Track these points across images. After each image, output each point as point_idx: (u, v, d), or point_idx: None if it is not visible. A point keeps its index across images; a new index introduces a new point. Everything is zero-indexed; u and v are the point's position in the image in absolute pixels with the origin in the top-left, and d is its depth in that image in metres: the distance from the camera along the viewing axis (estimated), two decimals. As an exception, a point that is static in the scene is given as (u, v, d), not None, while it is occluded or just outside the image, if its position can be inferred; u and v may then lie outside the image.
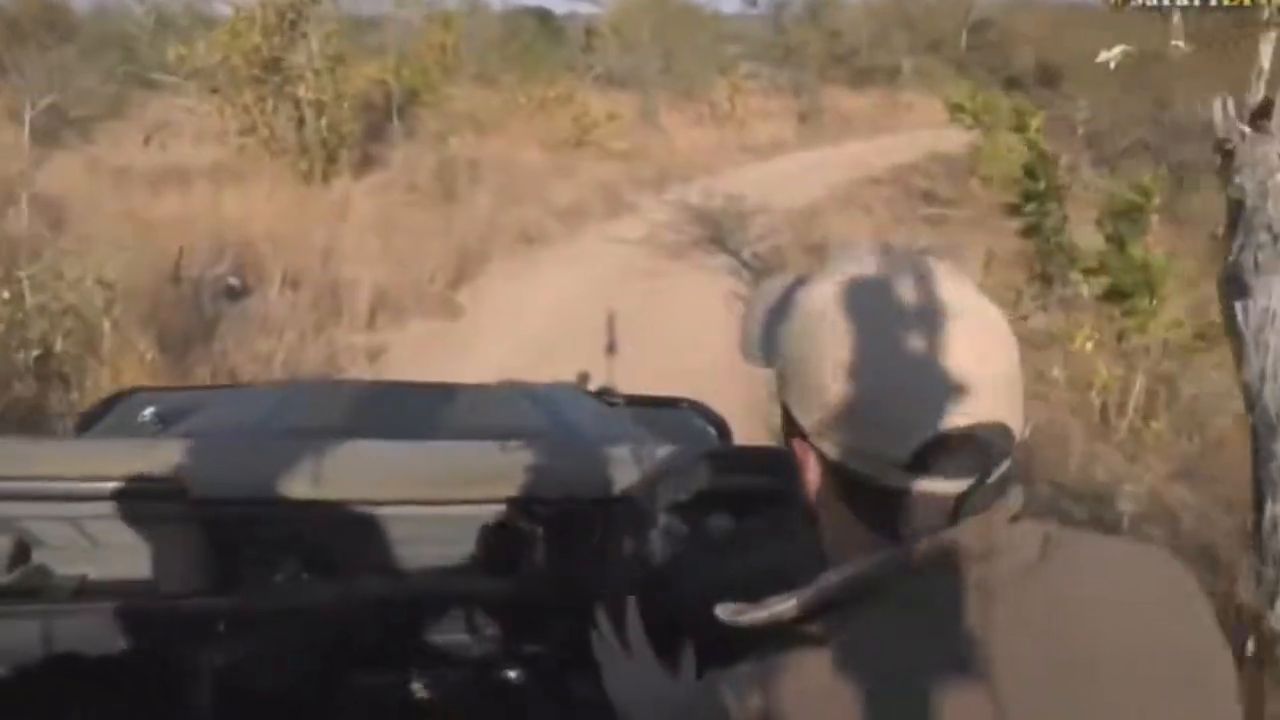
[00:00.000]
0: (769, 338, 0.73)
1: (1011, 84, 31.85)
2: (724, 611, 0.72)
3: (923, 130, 24.32)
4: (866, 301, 0.66)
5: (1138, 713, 0.64)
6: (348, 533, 1.41)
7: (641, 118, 17.86)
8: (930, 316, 0.64)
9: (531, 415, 2.14)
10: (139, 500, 1.32)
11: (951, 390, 0.63)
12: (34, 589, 1.34)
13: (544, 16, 28.51)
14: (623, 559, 1.29)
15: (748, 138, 17.97)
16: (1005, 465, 0.65)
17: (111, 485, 1.30)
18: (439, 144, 10.85)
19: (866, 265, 0.69)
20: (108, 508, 1.31)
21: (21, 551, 1.36)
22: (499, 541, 1.44)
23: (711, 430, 2.42)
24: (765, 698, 0.65)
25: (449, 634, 1.45)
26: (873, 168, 15.44)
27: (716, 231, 10.22)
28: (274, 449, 1.48)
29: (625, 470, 1.40)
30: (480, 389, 2.41)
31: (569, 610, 1.28)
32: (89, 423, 2.23)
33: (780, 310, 0.72)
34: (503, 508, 1.42)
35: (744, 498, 1.35)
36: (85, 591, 1.36)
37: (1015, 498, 0.68)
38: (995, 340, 0.66)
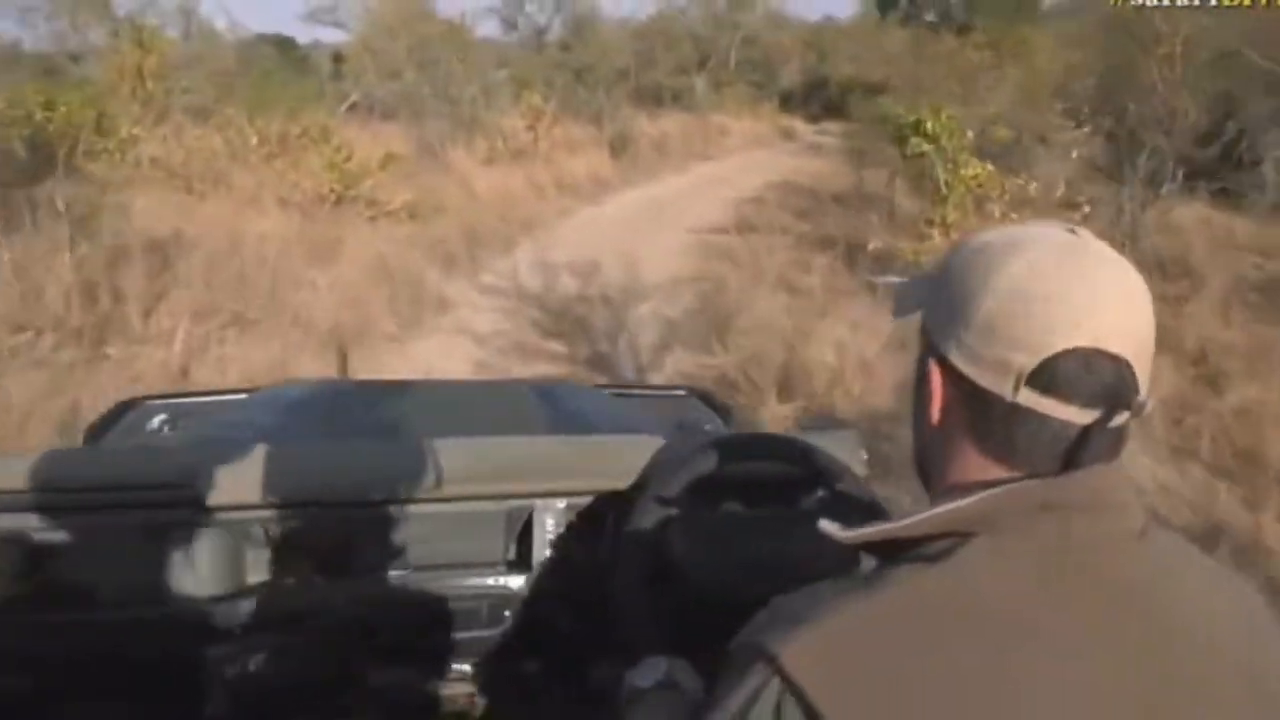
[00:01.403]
0: (927, 284, 0.76)
1: (787, 99, 31.93)
2: (831, 528, 0.73)
3: (744, 155, 21.89)
4: (1025, 240, 0.70)
5: (1205, 711, 0.64)
6: (360, 532, 1.40)
7: (421, 156, 13.71)
8: (1081, 260, 0.68)
9: (539, 410, 2.09)
10: (151, 507, 1.33)
11: (1086, 316, 0.66)
12: (49, 598, 1.32)
13: (285, 44, 24.06)
14: (636, 549, 1.26)
15: (561, 175, 14.23)
16: (1125, 416, 0.66)
17: (123, 493, 1.33)
18: (94, 221, 6.25)
19: (1032, 224, 0.73)
20: (120, 515, 1.33)
21: (35, 561, 1.32)
22: (512, 536, 1.44)
23: (717, 418, 2.35)
24: (855, 608, 0.64)
25: (464, 630, 1.44)
26: (732, 205, 12.23)
27: (589, 341, 6.38)
28: (284, 452, 1.46)
29: (635, 461, 1.40)
30: (489, 385, 2.36)
31: (583, 602, 1.36)
32: (97, 433, 2.13)
33: (942, 262, 0.76)
34: (515, 502, 1.43)
35: (753, 484, 1.39)
36: (100, 600, 1.33)
37: (1127, 472, 0.69)
38: (1137, 297, 0.69)
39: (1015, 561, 0.64)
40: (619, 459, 1.42)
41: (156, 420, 2.14)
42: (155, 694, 1.34)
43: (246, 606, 1.34)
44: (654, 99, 26.48)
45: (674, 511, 1.26)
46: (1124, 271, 0.69)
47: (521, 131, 15.80)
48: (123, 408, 2.27)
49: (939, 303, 0.72)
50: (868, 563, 0.73)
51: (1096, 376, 0.65)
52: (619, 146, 17.48)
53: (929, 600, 0.63)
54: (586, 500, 1.42)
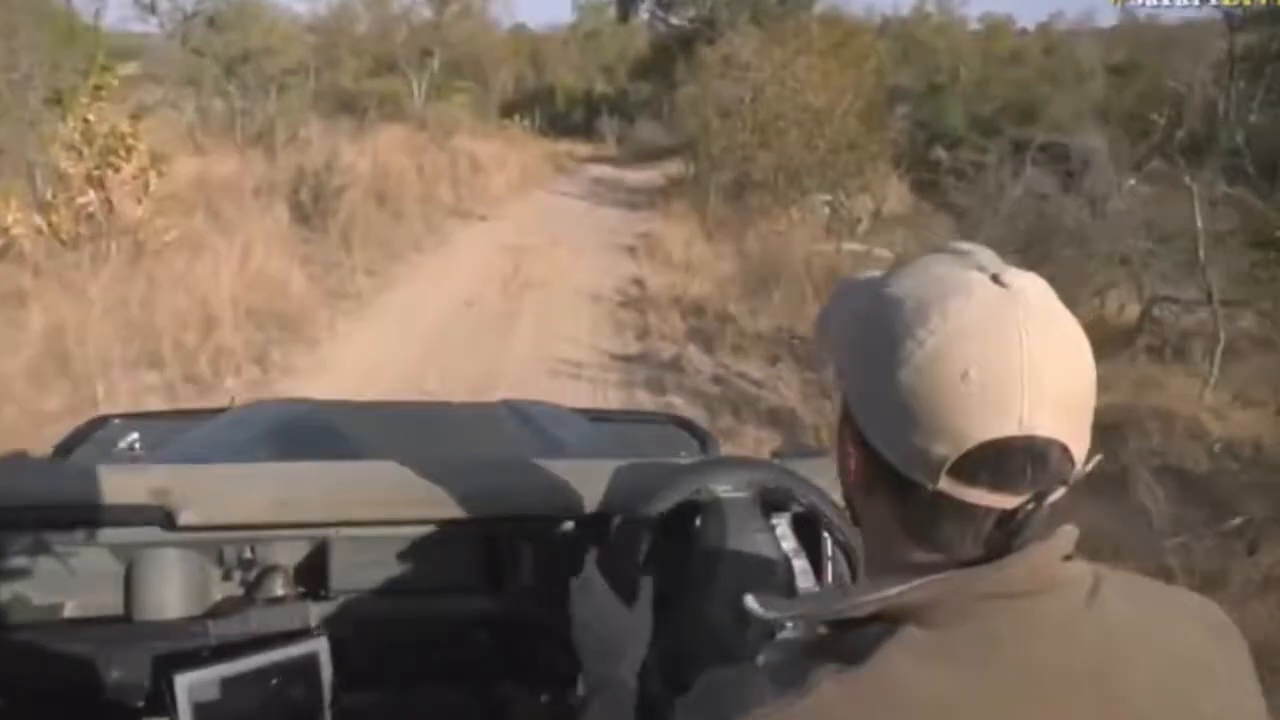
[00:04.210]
0: (835, 324, 0.73)
1: (509, 110, 27.38)
2: (753, 602, 0.73)
3: (521, 203, 14.25)
4: (944, 296, 0.64)
5: None
6: (334, 554, 1.40)
7: None
8: (1010, 324, 0.62)
9: (519, 433, 2.11)
10: (122, 526, 1.31)
11: (1016, 398, 0.61)
12: (12, 617, 1.30)
13: None
14: (612, 574, 1.26)
15: (174, 293, 5.91)
16: (1060, 493, 0.64)
17: (93, 511, 1.30)
18: None
19: (955, 263, 0.67)
20: (89, 534, 1.30)
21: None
22: (487, 560, 1.45)
23: (695, 443, 2.36)
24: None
25: (437, 653, 1.45)
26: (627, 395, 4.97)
27: None
28: (258, 472, 1.47)
29: (611, 485, 1.40)
30: (464, 406, 2.34)
31: (557, 627, 1.35)
32: (66, 450, 2.14)
33: (855, 298, 0.71)
34: (491, 526, 1.43)
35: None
36: (65, 620, 1.33)
37: (1068, 536, 0.66)
38: (1073, 362, 0.64)
39: (949, 656, 0.62)
40: (594, 484, 1.42)
41: (127, 438, 2.02)
42: (121, 717, 1.30)
43: (215, 628, 1.33)
44: (345, 107, 20.68)
45: (648, 536, 1.26)
46: (1060, 330, 0.64)
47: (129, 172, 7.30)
48: (91, 425, 2.23)
49: (853, 366, 0.68)
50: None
51: (1026, 464, 0.62)
52: (310, 201, 9.23)
53: (857, 705, 0.61)
54: (560, 525, 1.41)
